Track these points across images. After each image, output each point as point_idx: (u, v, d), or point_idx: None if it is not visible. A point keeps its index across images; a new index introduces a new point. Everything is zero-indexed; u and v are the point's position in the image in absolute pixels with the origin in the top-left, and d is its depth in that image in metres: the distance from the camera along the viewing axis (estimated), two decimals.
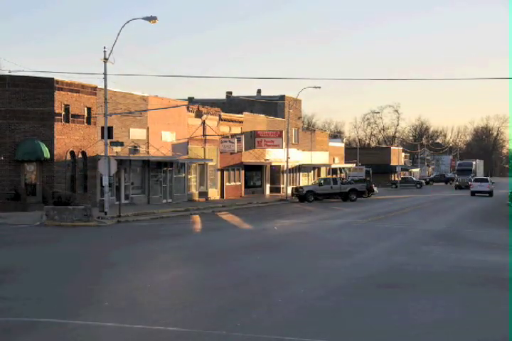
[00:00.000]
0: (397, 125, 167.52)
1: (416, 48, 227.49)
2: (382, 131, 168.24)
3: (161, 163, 52.69)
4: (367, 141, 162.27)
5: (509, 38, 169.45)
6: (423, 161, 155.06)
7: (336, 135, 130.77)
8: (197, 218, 41.54)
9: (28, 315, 13.18)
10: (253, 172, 70.37)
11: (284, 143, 69.33)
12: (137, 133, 50.04)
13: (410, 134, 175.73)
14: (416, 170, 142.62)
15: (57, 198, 40.38)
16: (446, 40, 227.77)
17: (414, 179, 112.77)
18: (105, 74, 38.89)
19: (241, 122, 66.30)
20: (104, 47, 38.07)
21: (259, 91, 79.40)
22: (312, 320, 13.26)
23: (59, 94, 42.66)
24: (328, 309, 14.38)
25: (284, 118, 73.08)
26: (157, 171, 52.86)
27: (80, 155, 44.66)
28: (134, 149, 49.51)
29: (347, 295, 16.02)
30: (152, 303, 14.76)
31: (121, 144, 43.85)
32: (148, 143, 51.16)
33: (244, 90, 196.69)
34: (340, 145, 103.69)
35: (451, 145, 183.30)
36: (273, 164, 71.76)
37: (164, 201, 52.96)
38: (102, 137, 41.80)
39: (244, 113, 68.10)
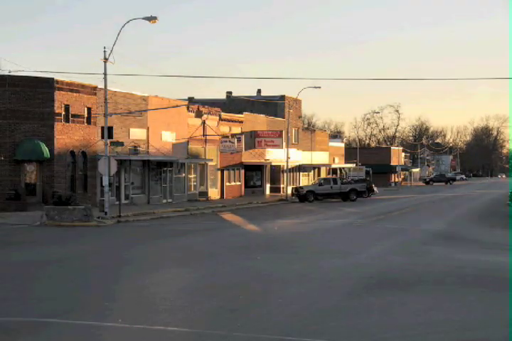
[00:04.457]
0: (397, 125, 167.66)
1: (416, 48, 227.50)
2: (382, 131, 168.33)
3: (161, 163, 52.67)
4: (367, 141, 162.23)
5: (509, 38, 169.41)
6: (423, 161, 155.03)
7: (336, 135, 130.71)
8: (197, 218, 41.52)
9: (27, 315, 13.17)
10: (253, 172, 70.36)
11: (284, 143, 69.31)
12: (137, 133, 50.02)
13: (410, 134, 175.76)
14: (416, 170, 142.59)
15: (57, 198, 40.29)
16: (446, 39, 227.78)
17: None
18: (105, 74, 38.88)
19: (241, 122, 66.27)
20: (104, 47, 38.09)
21: (259, 91, 79.38)
22: (312, 320, 13.25)
23: (59, 94, 42.63)
24: (329, 309, 14.36)
25: (284, 118, 73.06)
26: (157, 171, 52.84)
27: (80, 155, 44.64)
28: (134, 149, 49.49)
29: (347, 295, 16.01)
30: (152, 303, 14.74)
31: (122, 144, 43.83)
32: (148, 143, 51.14)
33: (244, 90, 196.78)
34: (340, 145, 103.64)
35: (451, 145, 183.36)
36: (273, 164, 71.72)
37: (164, 201, 52.95)
38: (102, 137, 41.77)
39: (244, 113, 68.07)
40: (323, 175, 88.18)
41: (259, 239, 29.25)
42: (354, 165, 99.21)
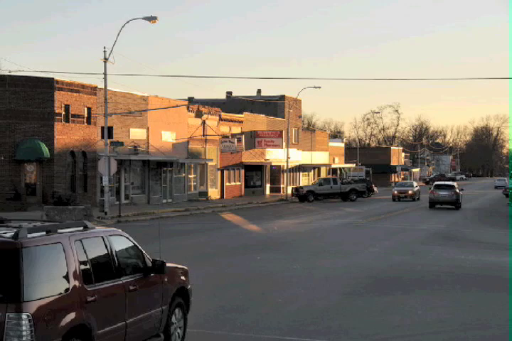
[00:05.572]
0: (397, 125, 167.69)
1: (416, 48, 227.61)
2: (382, 131, 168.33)
3: (161, 163, 52.66)
4: (367, 141, 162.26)
5: (509, 38, 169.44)
6: (423, 161, 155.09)
7: (336, 135, 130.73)
8: (197, 218, 41.51)
9: None
10: (253, 172, 70.34)
11: (284, 143, 69.31)
12: (137, 133, 50.01)
13: (410, 134, 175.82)
14: (416, 170, 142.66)
15: (57, 198, 40.31)
16: (446, 40, 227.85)
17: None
18: (105, 74, 38.89)
19: (241, 122, 66.28)
20: (104, 47, 38.10)
21: (259, 91, 79.38)
22: (312, 320, 13.25)
23: (59, 94, 42.62)
24: (329, 309, 14.36)
25: (284, 118, 73.06)
26: (157, 171, 52.82)
27: (80, 155, 44.63)
28: (134, 149, 49.48)
29: (347, 295, 16.01)
30: None
31: (122, 144, 43.81)
32: (148, 143, 51.13)
33: (244, 90, 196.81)
34: (340, 145, 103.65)
35: (451, 145, 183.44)
36: (273, 164, 71.73)
37: (164, 201, 52.93)
38: (102, 137, 41.78)
39: (244, 113, 68.06)
40: (323, 175, 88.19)
41: (259, 238, 29.25)
42: (354, 165, 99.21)
